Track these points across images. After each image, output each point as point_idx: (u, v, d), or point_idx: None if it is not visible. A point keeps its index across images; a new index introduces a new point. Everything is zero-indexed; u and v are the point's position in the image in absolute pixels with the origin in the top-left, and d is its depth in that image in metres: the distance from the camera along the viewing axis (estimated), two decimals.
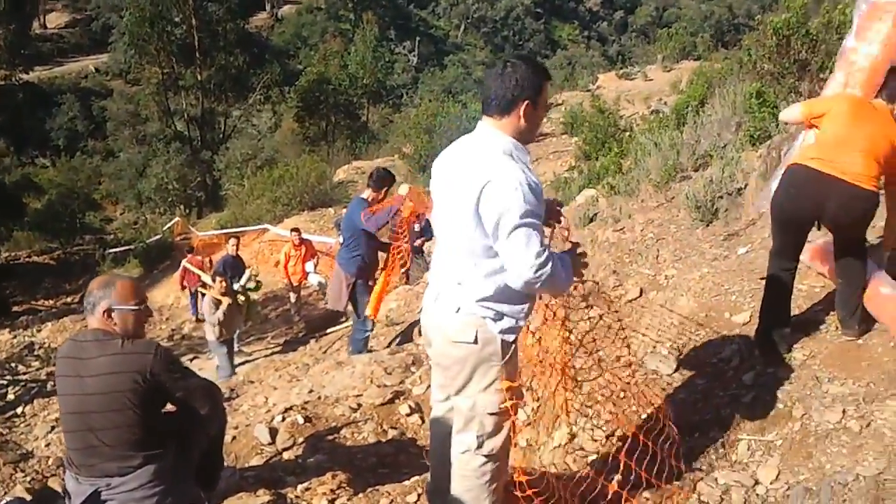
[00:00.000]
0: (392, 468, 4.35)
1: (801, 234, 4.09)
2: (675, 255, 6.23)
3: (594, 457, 3.96)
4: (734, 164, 7.13)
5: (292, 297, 12.96)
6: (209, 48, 38.90)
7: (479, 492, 3.06)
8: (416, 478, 4.03)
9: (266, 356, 10.61)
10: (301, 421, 4.83)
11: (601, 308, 4.92)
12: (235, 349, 9.94)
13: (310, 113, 37.58)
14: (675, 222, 7.05)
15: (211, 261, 14.13)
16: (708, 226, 6.61)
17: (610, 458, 3.67)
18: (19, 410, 8.68)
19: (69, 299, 22.26)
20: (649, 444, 3.26)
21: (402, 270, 9.40)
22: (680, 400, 4.14)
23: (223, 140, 39.48)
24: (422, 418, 4.94)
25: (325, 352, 8.92)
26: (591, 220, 8.63)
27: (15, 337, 15.47)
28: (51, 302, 23.11)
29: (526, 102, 2.83)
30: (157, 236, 27.60)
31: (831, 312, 4.26)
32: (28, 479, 4.40)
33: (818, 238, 4.40)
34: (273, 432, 4.67)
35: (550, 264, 2.72)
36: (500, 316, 2.89)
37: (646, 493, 3.38)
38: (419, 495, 3.83)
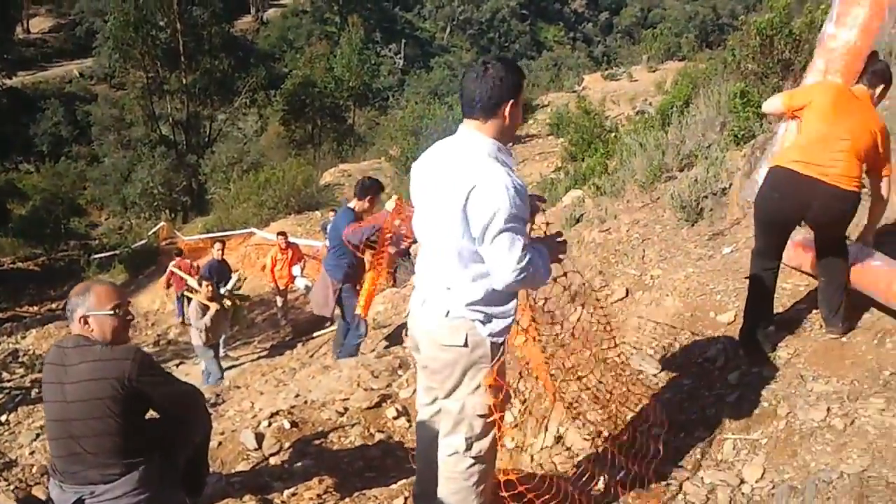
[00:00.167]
0: (379, 472, 4.34)
1: (785, 234, 4.11)
2: (661, 256, 6.25)
3: (581, 457, 3.96)
4: (718, 164, 7.16)
5: (279, 300, 12.92)
6: (194, 52, 38.79)
7: (467, 494, 3.06)
8: (403, 481, 4.02)
9: (253, 361, 10.57)
10: (287, 426, 4.81)
11: (589, 308, 4.92)
12: (221, 354, 9.89)
13: (296, 116, 37.59)
14: (661, 222, 7.07)
15: (197, 266, 14.07)
16: (693, 226, 6.63)
17: (596, 459, 3.67)
18: (3, 418, 8.61)
19: (54, 306, 22.10)
20: (635, 445, 3.26)
21: (389, 271, 9.38)
22: (666, 400, 4.15)
23: (209, 144, 39.35)
24: (409, 421, 4.93)
25: (311, 356, 8.90)
26: (578, 221, 8.65)
27: None
28: (35, 308, 22.94)
29: (510, 102, 2.82)
30: (143, 241, 27.48)
31: (815, 311, 4.29)
32: (12, 487, 4.35)
33: (796, 235, 4.41)
34: (259, 437, 4.65)
35: (532, 266, 2.73)
36: (489, 319, 2.89)
37: (632, 493, 3.38)
38: (406, 499, 3.82)
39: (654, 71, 40.96)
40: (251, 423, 4.89)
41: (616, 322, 5.30)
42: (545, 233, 3.26)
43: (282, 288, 12.57)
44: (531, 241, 2.89)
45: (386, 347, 7.23)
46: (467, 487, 3.06)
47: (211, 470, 3.96)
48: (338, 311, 7.35)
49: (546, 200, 3.21)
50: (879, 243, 4.28)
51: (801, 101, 4.05)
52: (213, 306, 8.85)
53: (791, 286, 4.71)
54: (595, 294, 5.80)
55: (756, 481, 3.27)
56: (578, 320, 4.15)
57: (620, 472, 3.44)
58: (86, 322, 3.05)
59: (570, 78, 43.82)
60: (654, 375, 4.46)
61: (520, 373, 4.36)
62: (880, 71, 4.06)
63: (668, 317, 5.02)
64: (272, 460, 4.46)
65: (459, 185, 2.74)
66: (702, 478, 3.41)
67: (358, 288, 7.11)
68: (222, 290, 9.29)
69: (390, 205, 6.82)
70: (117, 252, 27.25)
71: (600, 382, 4.08)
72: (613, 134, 16.92)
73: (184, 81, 38.28)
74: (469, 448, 3.02)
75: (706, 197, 6.73)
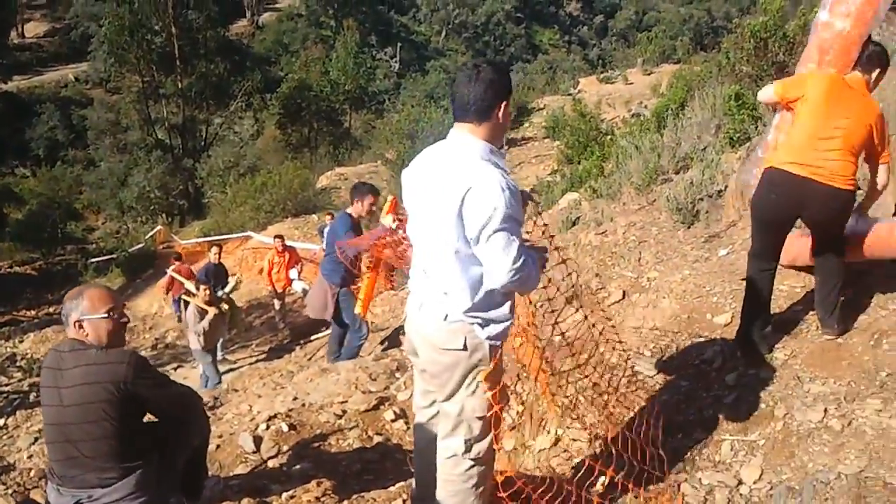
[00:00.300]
0: (377, 474, 4.34)
1: (782, 235, 4.12)
2: (657, 258, 6.26)
3: (579, 459, 3.96)
4: (714, 167, 7.18)
5: (276, 304, 12.91)
6: (189, 56, 38.78)
7: (465, 496, 3.07)
8: (401, 484, 4.03)
9: (251, 364, 10.56)
10: (286, 429, 4.81)
11: (586, 310, 4.94)
12: (219, 357, 9.88)
13: (292, 120, 37.56)
14: (657, 225, 7.09)
15: (191, 270, 14.06)
16: (689, 228, 6.65)
17: (594, 461, 3.67)
18: (1, 422, 8.58)
19: (51, 310, 22.05)
20: (632, 446, 3.27)
21: (387, 275, 9.38)
22: (663, 401, 4.16)
23: (205, 148, 39.34)
24: (407, 424, 4.94)
25: (309, 359, 8.90)
26: (574, 224, 8.66)
27: None
28: (32, 312, 22.89)
29: (503, 104, 2.86)
30: (140, 245, 27.40)
31: (812, 312, 4.30)
32: (10, 491, 4.35)
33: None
34: (257, 440, 4.65)
35: (527, 268, 2.76)
36: (487, 322, 2.91)
37: (630, 495, 3.39)
38: (404, 501, 3.83)
39: (649, 74, 41.07)
40: (249, 426, 4.89)
41: (613, 324, 5.32)
42: (543, 232, 3.27)
43: (279, 291, 12.57)
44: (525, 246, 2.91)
45: (384, 350, 7.24)
46: (466, 489, 3.07)
47: (209, 473, 3.96)
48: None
49: (533, 199, 3.20)
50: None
51: (794, 92, 4.04)
52: (212, 310, 8.85)
53: (787, 287, 4.72)
54: (592, 296, 5.83)
55: (754, 482, 3.28)
56: (572, 322, 4.16)
57: (618, 474, 3.45)
58: (80, 326, 3.06)
59: (565, 81, 43.95)
60: (652, 377, 4.47)
61: (518, 375, 4.37)
62: (875, 55, 4.02)
63: (665, 319, 5.04)
64: (270, 463, 4.46)
65: (455, 188, 2.75)
66: (700, 479, 3.42)
67: (355, 291, 7.12)
68: (219, 294, 9.29)
69: (387, 220, 6.79)
70: (114, 256, 27.15)
71: (596, 387, 4.10)
72: (609, 137, 16.95)
73: (179, 85, 38.27)
74: (468, 450, 3.03)
75: (702, 199, 6.75)
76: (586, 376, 4.22)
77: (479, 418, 3.01)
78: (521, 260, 2.73)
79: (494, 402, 2.98)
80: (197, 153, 38.39)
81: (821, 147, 3.82)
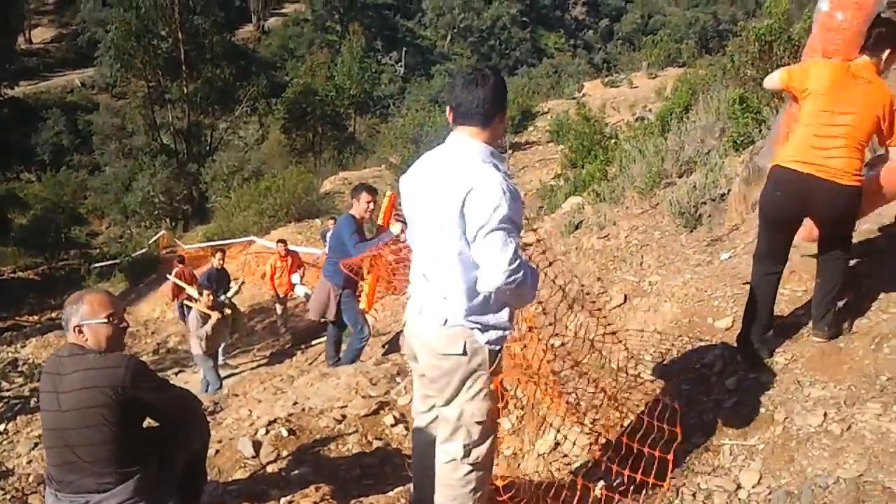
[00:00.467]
0: (376, 479, 4.33)
1: (789, 234, 4.07)
2: (659, 262, 6.25)
3: (578, 464, 3.95)
4: (717, 170, 7.17)
5: (279, 308, 12.92)
6: (195, 61, 38.80)
7: (464, 500, 3.07)
8: (400, 489, 4.02)
9: (252, 369, 10.58)
10: (285, 433, 4.80)
11: (586, 315, 4.92)
12: (220, 362, 9.89)
13: (297, 124, 37.63)
14: (660, 228, 7.07)
15: (194, 275, 14.08)
16: (691, 232, 6.63)
17: (593, 465, 3.66)
18: (1, 427, 8.59)
19: (54, 315, 22.09)
20: (632, 450, 3.26)
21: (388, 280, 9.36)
22: (665, 406, 4.14)
23: (210, 153, 39.35)
24: (406, 429, 4.93)
25: (311, 363, 8.90)
26: (577, 228, 8.66)
27: None
28: (35, 318, 22.92)
29: (504, 111, 2.93)
30: (143, 250, 27.45)
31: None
32: (8, 496, 4.35)
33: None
34: (257, 445, 4.64)
35: (522, 272, 2.74)
36: (486, 327, 2.92)
37: (629, 499, 3.37)
38: None
39: (654, 77, 41.06)
40: (249, 431, 4.88)
41: (615, 328, 5.30)
42: (538, 240, 3.27)
43: (281, 296, 12.58)
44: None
45: (384, 354, 7.22)
46: (464, 494, 3.06)
47: (208, 478, 3.95)
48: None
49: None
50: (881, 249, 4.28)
51: (799, 83, 3.96)
52: (214, 315, 8.85)
53: (788, 291, 4.70)
54: (594, 300, 5.82)
55: (753, 487, 3.25)
56: (574, 326, 4.15)
57: (618, 479, 3.43)
58: (80, 331, 3.06)
59: (570, 85, 43.94)
60: (653, 381, 4.45)
61: (518, 380, 4.35)
62: (884, 35, 3.88)
63: (666, 323, 5.02)
64: (269, 468, 4.45)
65: (456, 190, 2.76)
66: (699, 483, 3.40)
67: (357, 294, 7.12)
68: (222, 298, 9.30)
69: (396, 228, 6.77)
70: (118, 261, 27.22)
71: (597, 391, 4.08)
72: (613, 140, 16.95)
73: (185, 90, 38.30)
74: (467, 455, 3.03)
75: (705, 203, 6.74)
76: (588, 380, 4.20)
77: (479, 423, 3.01)
78: (518, 262, 2.71)
79: (495, 405, 2.98)
80: (201, 158, 38.40)
81: (824, 145, 3.78)
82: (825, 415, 3.44)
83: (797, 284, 4.74)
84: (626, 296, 5.86)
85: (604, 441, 3.91)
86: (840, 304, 4.08)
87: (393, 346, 7.53)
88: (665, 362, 4.60)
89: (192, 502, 3.60)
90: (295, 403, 5.45)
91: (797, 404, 3.60)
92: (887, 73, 4.01)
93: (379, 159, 29.50)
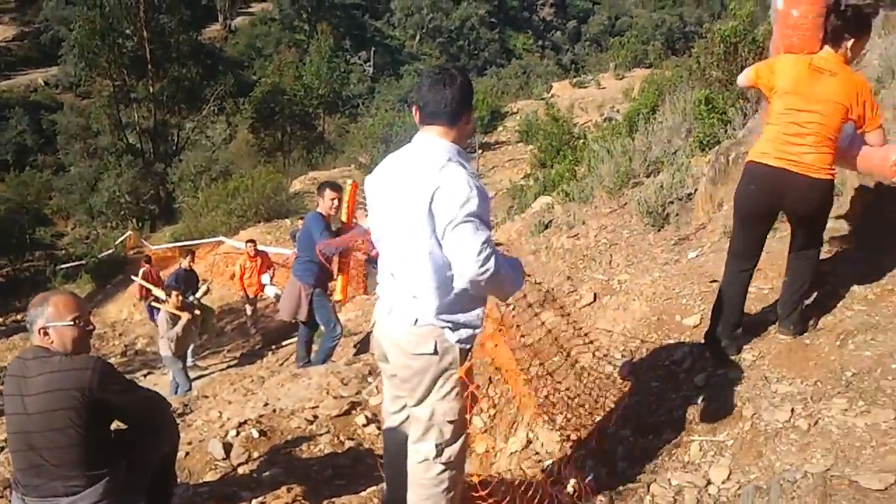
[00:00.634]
0: (349, 479, 4.32)
1: (763, 230, 4.07)
2: (628, 260, 6.30)
3: (550, 461, 3.97)
4: (684, 170, 7.25)
5: (248, 309, 12.84)
6: (161, 60, 38.36)
7: (437, 500, 3.07)
8: (373, 489, 4.01)
9: (222, 370, 10.48)
10: (256, 435, 4.77)
11: (556, 314, 4.96)
12: (190, 363, 9.79)
13: (265, 124, 37.35)
14: (628, 227, 7.14)
15: (160, 274, 13.93)
16: (659, 231, 6.70)
17: (565, 462, 3.68)
18: None
19: (19, 317, 21.73)
20: (603, 447, 3.28)
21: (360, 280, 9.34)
22: (634, 402, 4.18)
23: (177, 152, 38.91)
24: (379, 428, 4.91)
25: (281, 364, 8.84)
26: (547, 227, 8.70)
27: None
28: (0, 320, 22.56)
29: (471, 110, 2.94)
30: (110, 251, 27.11)
31: None
32: None
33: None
34: (227, 447, 4.60)
35: (494, 260, 2.72)
36: (457, 326, 2.92)
37: (600, 496, 3.40)
38: None
39: (621, 78, 41.37)
40: (219, 433, 4.84)
41: (584, 326, 5.34)
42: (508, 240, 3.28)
43: (251, 296, 12.49)
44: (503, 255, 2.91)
45: (355, 354, 7.21)
46: (437, 494, 3.06)
47: (178, 480, 3.91)
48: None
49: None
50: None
51: (766, 80, 3.96)
52: (185, 316, 8.77)
53: (755, 289, 4.75)
54: (563, 299, 5.85)
55: (722, 482, 3.29)
56: (543, 324, 4.17)
57: (589, 475, 3.46)
58: (45, 333, 3.02)
59: (538, 85, 44.16)
60: (622, 379, 4.48)
61: (490, 378, 4.37)
62: (840, 27, 3.82)
63: (635, 321, 5.06)
64: (240, 470, 4.42)
65: (424, 188, 2.76)
66: (669, 479, 3.43)
67: (329, 292, 7.11)
68: (191, 300, 9.21)
69: (366, 223, 6.78)
70: (84, 262, 26.88)
71: (567, 389, 4.11)
72: (582, 141, 17.06)
73: (151, 90, 37.84)
74: (439, 454, 3.03)
75: (672, 202, 6.81)
76: (559, 379, 4.23)
77: (450, 422, 3.01)
78: (488, 251, 2.70)
79: (466, 404, 2.98)
80: (168, 158, 37.98)
81: (795, 142, 3.78)
82: (792, 410, 3.49)
83: (763, 282, 4.80)
84: (595, 294, 5.90)
85: (575, 439, 3.94)
86: (807, 301, 4.14)
87: (364, 346, 7.52)
88: (634, 360, 4.64)
89: None
90: (266, 404, 5.41)
91: (765, 400, 3.65)
92: (860, 60, 4.01)
93: (348, 159, 29.44)
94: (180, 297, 8.95)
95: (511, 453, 4.17)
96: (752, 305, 4.63)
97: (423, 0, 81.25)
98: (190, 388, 8.66)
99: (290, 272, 7.53)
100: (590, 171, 9.86)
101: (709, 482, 3.33)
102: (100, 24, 35.17)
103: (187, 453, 4.57)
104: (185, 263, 11.48)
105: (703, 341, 4.32)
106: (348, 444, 4.81)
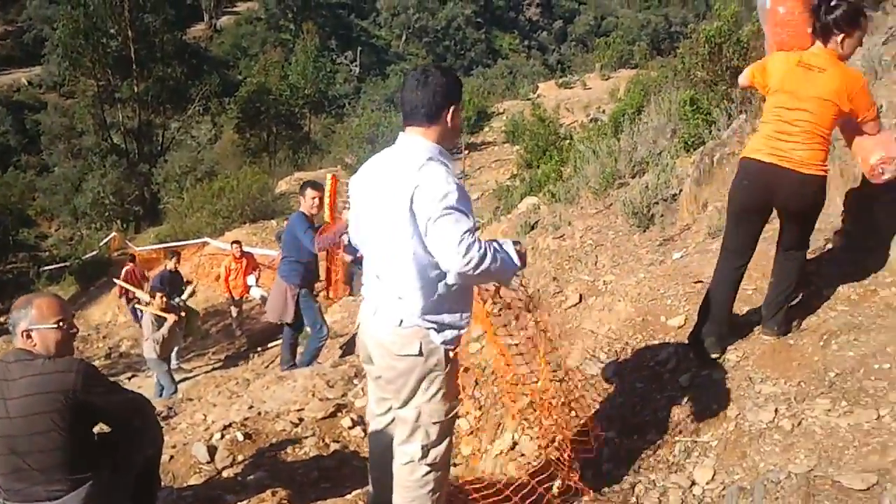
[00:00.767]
0: (334, 482, 4.31)
1: (756, 226, 4.06)
2: (613, 261, 6.32)
3: (535, 463, 3.97)
4: (669, 171, 7.27)
5: (234, 311, 12.78)
6: (146, 60, 38.10)
7: (423, 501, 3.07)
8: (359, 491, 4.00)
9: (206, 372, 10.44)
10: (241, 438, 4.74)
11: (541, 315, 4.95)
12: (174, 366, 9.74)
13: (250, 124, 37.22)
14: (614, 228, 7.15)
15: (143, 275, 13.83)
16: (644, 231, 6.72)
17: (550, 464, 3.69)
18: None
19: (2, 320, 21.55)
20: (588, 448, 3.29)
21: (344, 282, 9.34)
22: (619, 403, 4.19)
23: (161, 153, 38.67)
24: (364, 431, 4.89)
25: (267, 366, 8.81)
26: (533, 228, 8.72)
27: None
28: None
29: (453, 107, 2.90)
30: (94, 252, 26.92)
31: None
32: None
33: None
34: (212, 450, 4.58)
35: (478, 248, 2.69)
36: (442, 327, 2.92)
37: (586, 497, 3.41)
38: None
39: (607, 79, 41.54)
40: (204, 436, 4.81)
41: (570, 328, 5.35)
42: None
43: (236, 298, 12.43)
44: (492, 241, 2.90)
45: (341, 356, 7.19)
46: (423, 495, 3.06)
47: (162, 484, 3.90)
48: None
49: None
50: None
51: (761, 79, 3.99)
52: (171, 317, 8.71)
53: (739, 290, 4.78)
54: (549, 300, 5.86)
55: (707, 483, 3.31)
56: (526, 328, 4.17)
57: (574, 476, 3.46)
58: (28, 336, 3.00)
59: (524, 86, 44.28)
60: (607, 379, 4.49)
61: (476, 380, 4.37)
62: (829, 24, 3.79)
63: (620, 322, 5.07)
64: (225, 473, 4.40)
65: (404, 188, 2.76)
66: (654, 480, 3.45)
67: (315, 293, 7.10)
68: (176, 301, 9.16)
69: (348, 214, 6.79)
70: (68, 264, 26.67)
71: (551, 390, 4.11)
72: (568, 141, 17.10)
73: (135, 89, 37.57)
74: (425, 455, 3.03)
75: (657, 203, 6.82)
76: (543, 380, 4.23)
77: (436, 423, 3.01)
78: (472, 239, 2.68)
79: (451, 405, 2.98)
80: (153, 158, 37.74)
81: (787, 139, 3.79)
82: (776, 411, 3.50)
83: (747, 283, 4.80)
84: (581, 295, 5.90)
85: (560, 439, 3.94)
86: (791, 302, 4.16)
87: (350, 347, 7.50)
88: (619, 360, 4.65)
89: None
90: (251, 407, 5.39)
91: (749, 401, 3.66)
92: (853, 53, 3.99)
93: (334, 159, 29.38)
94: (165, 299, 8.89)
95: (497, 455, 4.17)
96: (736, 306, 4.63)
97: (409, 0, 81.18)
98: (175, 391, 8.62)
99: (276, 273, 7.51)
100: (576, 172, 9.89)
101: (693, 483, 3.35)
102: (84, 24, 34.89)
103: (171, 456, 4.55)
104: (170, 265, 11.44)
105: (687, 341, 4.33)
106: (334, 446, 4.80)
